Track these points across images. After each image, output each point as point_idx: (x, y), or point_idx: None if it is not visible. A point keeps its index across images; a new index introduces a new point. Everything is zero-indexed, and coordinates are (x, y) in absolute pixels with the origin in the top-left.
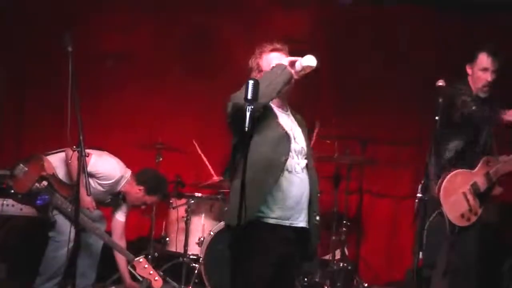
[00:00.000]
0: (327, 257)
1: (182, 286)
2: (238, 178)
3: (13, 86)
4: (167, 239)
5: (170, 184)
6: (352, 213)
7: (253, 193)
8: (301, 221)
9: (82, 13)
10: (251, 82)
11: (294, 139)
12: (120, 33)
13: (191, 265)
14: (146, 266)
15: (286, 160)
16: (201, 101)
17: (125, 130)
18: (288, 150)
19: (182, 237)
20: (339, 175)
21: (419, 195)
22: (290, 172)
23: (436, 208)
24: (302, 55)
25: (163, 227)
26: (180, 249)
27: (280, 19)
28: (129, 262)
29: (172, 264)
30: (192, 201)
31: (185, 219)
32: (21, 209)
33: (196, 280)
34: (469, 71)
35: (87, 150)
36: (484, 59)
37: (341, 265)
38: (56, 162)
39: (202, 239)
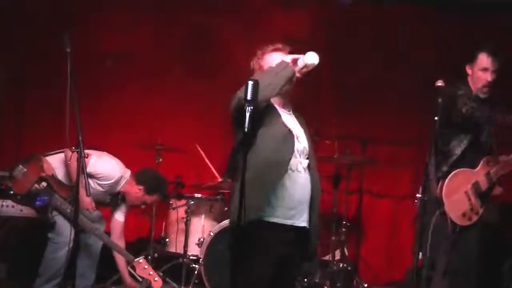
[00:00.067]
0: (327, 257)
1: (182, 287)
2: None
3: (13, 86)
4: (167, 239)
5: (170, 185)
6: (352, 213)
7: (257, 191)
8: (302, 221)
9: (82, 13)
10: (250, 83)
11: (297, 138)
12: (120, 33)
13: (191, 266)
14: (146, 266)
15: (291, 158)
16: (201, 101)
17: (125, 130)
18: (292, 148)
19: (182, 238)
20: (339, 175)
21: (418, 195)
22: (293, 171)
23: (437, 207)
24: (303, 54)
25: (163, 227)
26: (180, 250)
27: (280, 19)
28: (129, 263)
29: (172, 265)
30: (192, 202)
31: (185, 219)
32: (21, 210)
33: (196, 281)
34: (469, 71)
35: (86, 151)
36: (484, 59)
37: (341, 265)
38: (55, 163)
39: (202, 239)
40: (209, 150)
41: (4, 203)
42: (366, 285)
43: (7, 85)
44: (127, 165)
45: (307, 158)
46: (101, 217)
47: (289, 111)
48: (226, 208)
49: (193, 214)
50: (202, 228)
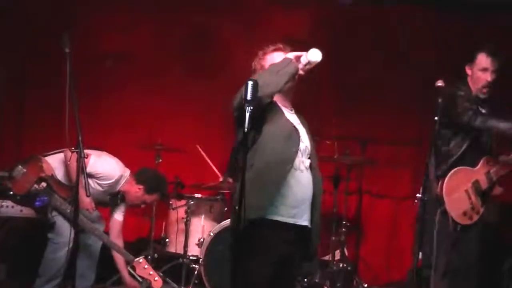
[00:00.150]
0: (326, 257)
1: (182, 287)
2: (250, 171)
3: (13, 86)
4: (167, 240)
5: (170, 185)
6: (352, 214)
7: (261, 189)
8: (304, 220)
9: (82, 13)
10: (250, 83)
11: (300, 137)
12: (120, 33)
13: (191, 266)
14: (146, 266)
15: (296, 154)
16: (201, 101)
17: (124, 130)
18: (297, 145)
19: (182, 238)
20: (339, 176)
21: (419, 195)
22: (295, 170)
23: (438, 207)
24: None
25: (163, 228)
26: (180, 250)
27: (280, 20)
28: (129, 263)
29: (172, 265)
30: (192, 202)
31: (184, 220)
32: (21, 210)
33: (196, 281)
34: (468, 71)
35: (86, 151)
36: (483, 59)
37: (340, 265)
38: (55, 163)
39: (201, 240)
40: (209, 150)
41: (4, 203)
42: (366, 285)
43: (7, 85)
44: (127, 165)
45: (309, 158)
46: (100, 217)
47: (291, 110)
48: (226, 208)
49: (193, 214)
50: (202, 228)
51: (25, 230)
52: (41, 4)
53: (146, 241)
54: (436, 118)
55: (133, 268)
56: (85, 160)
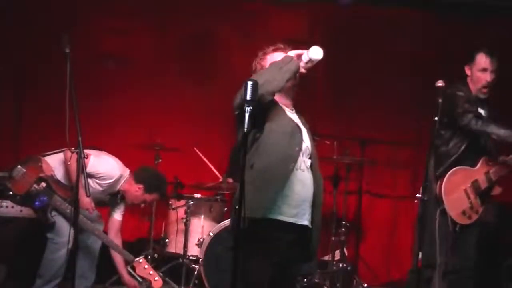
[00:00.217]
0: (326, 257)
1: (182, 287)
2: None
3: (12, 86)
4: (167, 240)
5: (169, 185)
6: (351, 214)
7: (264, 188)
8: (305, 220)
9: (82, 13)
10: (249, 83)
11: (302, 136)
12: (119, 35)
13: (191, 266)
14: (146, 266)
15: (300, 151)
16: (200, 102)
17: (124, 131)
18: (300, 142)
19: (181, 238)
20: (338, 176)
21: (418, 195)
22: (297, 169)
23: (438, 207)
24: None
25: (163, 228)
26: (180, 250)
27: (277, 21)
28: (129, 263)
29: (171, 265)
30: (192, 202)
31: (184, 220)
32: (20, 211)
33: (196, 281)
34: (468, 72)
35: (86, 151)
36: (482, 60)
37: (340, 265)
38: (54, 163)
39: (201, 240)
40: (208, 150)
41: (3, 203)
42: (365, 285)
43: (7, 85)
44: (127, 165)
45: (310, 158)
46: (100, 217)
47: (292, 110)
48: (225, 209)
49: (193, 215)
50: (202, 228)
51: (25, 230)
52: (41, 5)
53: (146, 241)
54: (436, 118)
55: (133, 268)
56: (85, 160)
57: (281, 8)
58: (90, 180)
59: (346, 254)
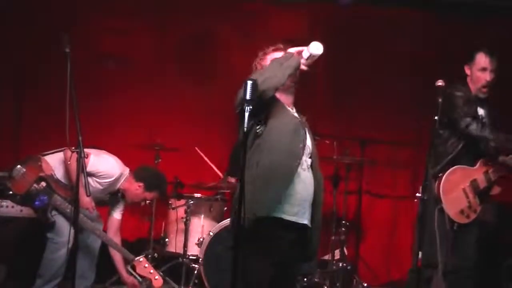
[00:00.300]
0: (326, 257)
1: (182, 287)
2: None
3: (12, 87)
4: (167, 239)
5: (169, 185)
6: (351, 213)
7: (268, 186)
8: (305, 219)
9: (82, 13)
10: (249, 82)
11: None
12: (119, 35)
13: (191, 265)
14: (146, 265)
15: (304, 147)
16: (199, 102)
17: (124, 131)
18: (304, 139)
19: (181, 238)
20: (338, 176)
21: (418, 194)
22: (300, 167)
23: (436, 205)
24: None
25: (163, 228)
26: (180, 250)
27: (277, 21)
28: (129, 262)
29: (171, 265)
30: (192, 202)
31: (184, 219)
32: (20, 210)
33: (196, 281)
34: (467, 71)
35: (86, 150)
36: (482, 59)
37: (340, 265)
38: (54, 162)
39: (201, 239)
40: (208, 150)
41: (3, 203)
42: (365, 285)
43: (7, 85)
44: (127, 165)
45: (310, 157)
46: (99, 216)
47: (292, 109)
48: (225, 208)
49: (193, 214)
50: (202, 228)
51: (25, 230)
52: (41, 5)
53: (146, 241)
54: (436, 118)
55: (134, 267)
56: (85, 159)
57: (281, 8)
58: (90, 179)
59: (346, 253)
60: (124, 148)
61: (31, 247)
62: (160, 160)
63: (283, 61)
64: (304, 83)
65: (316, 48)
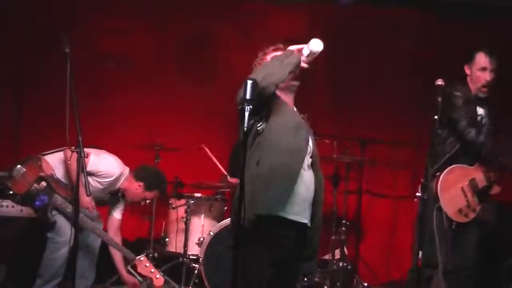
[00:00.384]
0: (326, 257)
1: (182, 287)
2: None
3: (12, 87)
4: (167, 239)
5: (169, 184)
6: (351, 213)
7: (273, 183)
8: (305, 218)
9: (82, 14)
10: (249, 82)
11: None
12: (119, 35)
13: (191, 265)
14: (147, 264)
15: (307, 143)
16: (199, 102)
17: (124, 130)
18: (307, 135)
19: (181, 238)
20: (338, 175)
21: (418, 194)
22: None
23: (435, 204)
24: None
25: (163, 227)
26: (180, 250)
27: (277, 21)
28: (130, 261)
29: (172, 265)
30: (192, 202)
31: (184, 219)
32: (21, 210)
33: (196, 281)
34: (467, 71)
35: (86, 150)
36: (482, 59)
37: (340, 264)
38: (54, 162)
39: (201, 239)
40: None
41: (4, 203)
42: (365, 285)
43: (7, 85)
44: (127, 165)
45: (311, 157)
46: (99, 216)
47: (293, 108)
48: (226, 208)
49: (193, 214)
50: (202, 227)
51: (25, 230)
52: (41, 4)
53: (146, 241)
54: (435, 117)
55: (134, 266)
56: (85, 159)
57: (281, 8)
58: (90, 179)
59: (346, 253)
60: (124, 148)
61: (31, 247)
62: (160, 160)
63: (283, 59)
64: (304, 83)
65: (316, 45)
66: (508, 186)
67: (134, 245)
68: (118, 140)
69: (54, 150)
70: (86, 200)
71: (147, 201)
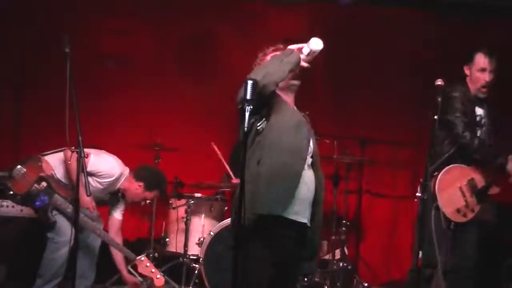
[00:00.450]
0: (326, 257)
1: (182, 287)
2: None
3: (12, 87)
4: (167, 239)
5: (169, 184)
6: (352, 213)
7: (276, 181)
8: (304, 218)
9: (82, 14)
10: (250, 82)
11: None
12: (119, 35)
13: (191, 265)
14: (148, 264)
15: (308, 142)
16: (199, 102)
17: (124, 131)
18: (308, 134)
19: (182, 238)
20: (338, 175)
21: (418, 194)
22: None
23: (433, 203)
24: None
25: (163, 227)
26: (180, 250)
27: (277, 22)
28: (131, 261)
29: (172, 265)
30: (192, 202)
31: (185, 219)
32: (21, 210)
33: (196, 281)
34: (467, 72)
35: (86, 150)
36: (481, 60)
37: (340, 265)
38: (54, 162)
39: (202, 239)
40: (208, 150)
41: (4, 203)
42: (366, 285)
43: (7, 85)
44: (127, 165)
45: (311, 157)
46: (99, 216)
47: (293, 107)
48: (226, 208)
49: (193, 214)
50: (202, 227)
51: (25, 230)
52: (41, 4)
53: (146, 241)
54: (435, 117)
55: (135, 266)
56: (85, 159)
57: (281, 8)
58: (90, 179)
59: (347, 253)
60: (124, 148)
61: (31, 247)
62: (160, 160)
63: (283, 58)
64: (304, 83)
65: (315, 44)
66: (508, 186)
67: (135, 245)
68: (118, 140)
69: (54, 150)
70: (86, 200)
71: (147, 201)
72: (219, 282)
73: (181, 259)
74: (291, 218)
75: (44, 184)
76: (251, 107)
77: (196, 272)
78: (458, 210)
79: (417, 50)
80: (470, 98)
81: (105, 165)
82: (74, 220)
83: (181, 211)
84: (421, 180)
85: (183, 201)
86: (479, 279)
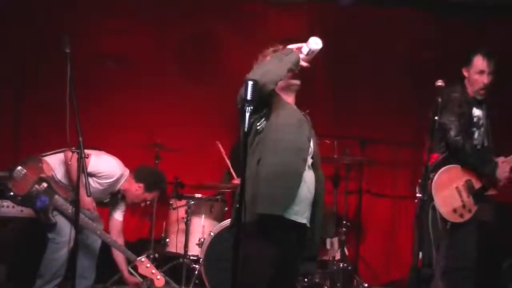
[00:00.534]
0: (326, 257)
1: (182, 287)
2: (257, 166)
3: (12, 87)
4: (167, 240)
5: (169, 185)
6: (352, 213)
7: (277, 181)
8: (304, 218)
9: (82, 14)
10: (250, 83)
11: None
12: (119, 36)
13: (191, 266)
14: (148, 265)
15: (309, 140)
16: (199, 102)
17: (124, 131)
18: (309, 131)
19: (182, 238)
20: (338, 175)
21: (418, 194)
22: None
23: (430, 203)
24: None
25: (163, 228)
26: (180, 250)
27: (277, 22)
28: (131, 262)
29: (172, 265)
30: (192, 202)
31: (185, 220)
32: (21, 211)
33: (196, 281)
34: (465, 73)
35: (86, 151)
36: (479, 62)
37: (340, 265)
38: (54, 163)
39: (202, 240)
40: (208, 150)
41: (4, 203)
42: (366, 285)
43: (7, 85)
44: (127, 165)
45: (312, 157)
46: (99, 217)
47: (294, 107)
48: (226, 208)
49: (193, 214)
50: (203, 228)
51: (25, 230)
52: (41, 5)
53: (147, 241)
54: (436, 117)
55: (135, 267)
56: (86, 160)
57: (281, 8)
58: (90, 180)
59: (347, 253)
60: (124, 148)
61: (31, 247)
62: (160, 160)
63: (282, 57)
64: (304, 83)
65: (315, 43)
66: (508, 186)
67: (135, 246)
68: (118, 140)
69: (54, 151)
70: (86, 200)
71: (147, 202)
72: (219, 283)
73: (181, 260)
74: (291, 219)
75: (44, 185)
76: (251, 107)
77: (196, 272)
78: (455, 210)
79: (417, 50)
80: (468, 99)
81: (105, 166)
82: (74, 221)
83: (181, 212)
84: (419, 180)
85: (183, 202)
86: (479, 279)
